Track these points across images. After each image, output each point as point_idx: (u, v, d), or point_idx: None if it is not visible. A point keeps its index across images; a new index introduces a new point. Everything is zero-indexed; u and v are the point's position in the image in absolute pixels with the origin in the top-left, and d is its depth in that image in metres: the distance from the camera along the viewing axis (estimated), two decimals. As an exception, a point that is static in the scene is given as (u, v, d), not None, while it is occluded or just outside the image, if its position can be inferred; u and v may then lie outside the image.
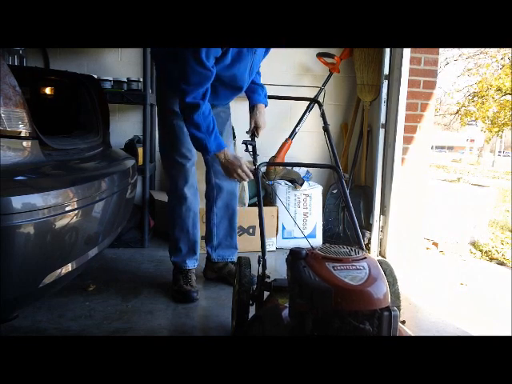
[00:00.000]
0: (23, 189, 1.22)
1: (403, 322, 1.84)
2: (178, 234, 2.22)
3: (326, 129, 2.09)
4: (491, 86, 13.04)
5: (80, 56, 3.29)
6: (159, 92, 2.15)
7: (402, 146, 2.94)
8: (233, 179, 1.93)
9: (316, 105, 2.28)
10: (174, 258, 2.26)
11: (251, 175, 1.86)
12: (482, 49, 12.99)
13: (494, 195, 4.06)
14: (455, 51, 13.97)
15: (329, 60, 3.40)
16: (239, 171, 1.85)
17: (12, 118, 1.27)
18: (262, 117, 2.12)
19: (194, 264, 2.26)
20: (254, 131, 2.12)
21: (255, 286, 1.64)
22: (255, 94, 2.13)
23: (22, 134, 1.32)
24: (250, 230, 2.96)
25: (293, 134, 3.31)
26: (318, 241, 3.16)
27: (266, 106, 2.17)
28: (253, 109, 2.13)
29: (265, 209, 1.89)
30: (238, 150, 2.99)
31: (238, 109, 2.58)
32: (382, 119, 3.02)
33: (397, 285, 1.59)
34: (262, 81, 2.25)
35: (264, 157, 3.22)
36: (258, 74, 2.17)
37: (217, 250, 2.35)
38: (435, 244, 3.47)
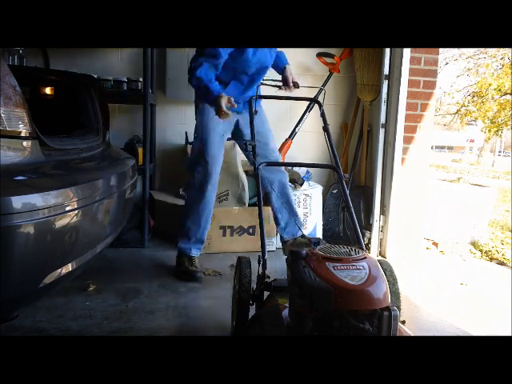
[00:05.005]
0: (23, 189, 1.22)
1: (403, 322, 1.84)
2: (190, 225, 2.47)
3: (326, 129, 2.09)
4: (490, 85, 13.03)
5: (80, 56, 3.29)
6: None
7: (402, 146, 2.94)
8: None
9: (316, 105, 2.28)
10: (182, 243, 2.49)
11: (229, 112, 2.12)
12: (482, 49, 12.98)
13: (494, 195, 4.06)
14: (455, 51, 13.96)
15: (329, 60, 3.40)
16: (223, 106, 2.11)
17: (12, 117, 1.27)
18: (291, 76, 2.52)
19: (197, 253, 2.51)
20: (292, 84, 2.50)
21: (255, 286, 1.64)
22: (280, 60, 2.54)
23: (22, 134, 1.32)
24: (250, 230, 2.96)
25: (293, 133, 3.31)
26: (318, 241, 3.15)
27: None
28: (283, 71, 2.54)
29: (265, 209, 1.89)
30: (237, 150, 3.00)
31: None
32: (382, 119, 3.02)
33: (397, 285, 1.59)
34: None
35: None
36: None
37: (285, 229, 2.67)
38: (435, 244, 3.47)
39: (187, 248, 2.48)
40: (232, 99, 2.12)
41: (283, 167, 2.71)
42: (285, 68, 2.53)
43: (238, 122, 2.53)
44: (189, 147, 3.31)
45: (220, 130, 2.42)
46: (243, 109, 2.48)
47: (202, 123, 2.42)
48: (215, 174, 2.42)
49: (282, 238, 2.75)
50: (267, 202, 3.15)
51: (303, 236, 2.68)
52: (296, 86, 2.50)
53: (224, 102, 2.09)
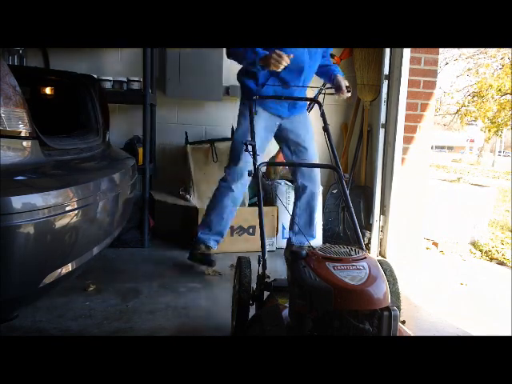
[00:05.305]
0: (23, 189, 1.22)
1: (403, 322, 1.84)
2: (213, 217, 2.56)
3: (326, 129, 2.10)
4: (491, 86, 13.03)
5: (80, 56, 3.29)
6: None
7: (402, 146, 2.95)
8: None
9: (316, 105, 2.28)
10: (202, 233, 2.58)
11: (286, 58, 2.02)
12: (482, 49, 12.98)
13: (494, 195, 4.06)
14: (455, 51, 13.96)
15: (329, 60, 3.39)
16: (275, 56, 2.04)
17: (12, 118, 1.27)
18: (343, 81, 2.47)
19: (215, 245, 2.61)
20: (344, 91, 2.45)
21: (255, 286, 1.64)
22: (332, 71, 2.54)
23: (22, 134, 1.32)
24: (250, 230, 2.96)
25: (293, 134, 3.29)
26: (318, 241, 3.15)
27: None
28: (334, 80, 2.50)
29: (265, 209, 1.90)
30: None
31: (236, 108, 2.59)
32: (382, 119, 3.02)
33: (397, 285, 1.59)
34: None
35: (264, 157, 3.22)
36: (325, 58, 2.56)
37: (296, 235, 2.71)
38: (435, 244, 3.47)
39: (206, 238, 2.58)
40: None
41: (319, 180, 2.73)
42: (336, 76, 2.52)
43: (280, 125, 2.55)
44: (189, 147, 3.32)
45: (260, 134, 2.38)
46: (288, 113, 2.50)
47: (243, 125, 2.45)
48: (246, 176, 2.47)
49: (289, 240, 2.78)
50: (267, 201, 3.16)
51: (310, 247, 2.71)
52: (348, 90, 2.49)
53: (277, 50, 2.02)
